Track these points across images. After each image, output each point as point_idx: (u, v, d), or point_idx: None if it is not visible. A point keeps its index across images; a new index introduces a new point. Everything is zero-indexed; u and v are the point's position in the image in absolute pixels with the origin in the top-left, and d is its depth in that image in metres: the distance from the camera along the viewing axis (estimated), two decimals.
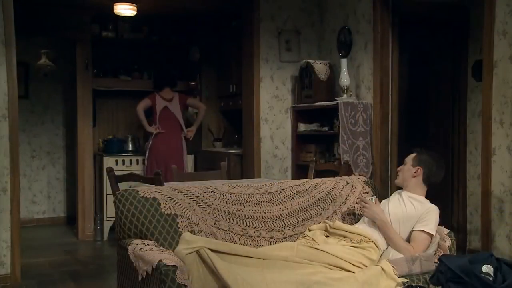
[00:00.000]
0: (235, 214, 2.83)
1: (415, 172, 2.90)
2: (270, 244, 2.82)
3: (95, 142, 6.22)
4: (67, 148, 6.81)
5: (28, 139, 6.64)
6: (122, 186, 3.13)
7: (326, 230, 2.89)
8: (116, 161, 5.98)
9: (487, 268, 2.09)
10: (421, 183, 2.91)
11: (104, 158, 5.95)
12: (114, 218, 3.23)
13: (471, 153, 5.05)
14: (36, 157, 6.72)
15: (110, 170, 3.37)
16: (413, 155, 2.95)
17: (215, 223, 2.76)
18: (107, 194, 5.81)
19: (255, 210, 2.89)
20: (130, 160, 6.09)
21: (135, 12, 5.55)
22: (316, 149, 5.24)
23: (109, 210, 5.80)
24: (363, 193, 3.20)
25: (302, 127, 5.30)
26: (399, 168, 3.01)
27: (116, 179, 3.32)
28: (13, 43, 4.16)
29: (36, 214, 6.71)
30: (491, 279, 2.07)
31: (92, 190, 5.97)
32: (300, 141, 5.37)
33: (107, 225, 5.88)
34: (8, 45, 4.12)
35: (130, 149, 6.36)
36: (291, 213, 2.98)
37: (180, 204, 2.73)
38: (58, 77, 6.69)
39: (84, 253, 5.44)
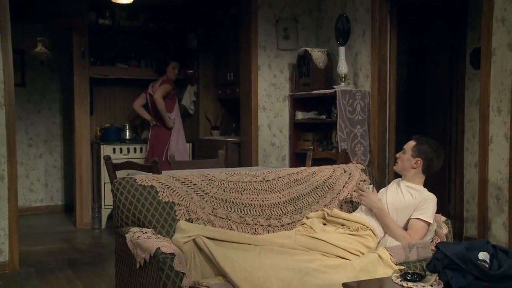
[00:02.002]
0: (233, 202, 2.84)
1: (415, 163, 2.89)
2: (268, 232, 2.84)
3: (92, 130, 6.21)
4: (64, 137, 6.80)
5: (25, 128, 6.63)
6: (120, 174, 3.13)
7: (323, 218, 2.90)
8: (114, 149, 5.98)
9: (483, 255, 2.11)
10: (420, 173, 2.92)
11: (102, 146, 5.94)
12: (112, 206, 3.24)
13: (469, 141, 5.06)
14: (33, 145, 6.71)
15: (107, 159, 3.38)
16: (413, 144, 2.93)
17: (212, 211, 2.77)
18: (104, 183, 5.81)
19: (253, 198, 2.89)
20: (128, 149, 6.08)
21: (132, 0, 5.51)
22: (313, 137, 5.24)
23: (107, 198, 5.81)
24: (361, 181, 3.21)
25: (299, 115, 5.30)
26: (398, 155, 3.00)
27: (113, 167, 3.32)
28: (9, 31, 4.13)
29: (33, 203, 6.72)
30: (487, 266, 2.08)
31: (90, 179, 5.98)
32: (297, 129, 5.37)
33: (105, 213, 5.89)
34: (3, 32, 4.09)
35: (127, 137, 6.36)
36: (289, 201, 2.99)
37: (177, 192, 2.73)
38: (54, 65, 6.66)
39: (82, 241, 5.46)
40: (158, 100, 5.65)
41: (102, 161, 5.52)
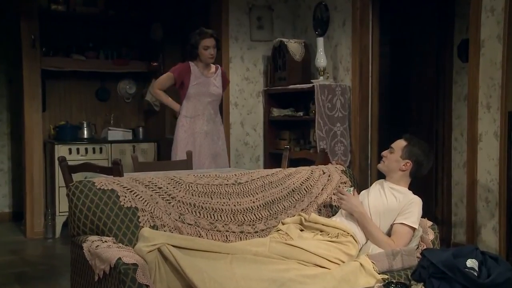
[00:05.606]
0: (202, 207, 2.83)
1: (403, 165, 2.92)
2: (240, 239, 2.84)
3: (45, 128, 6.12)
4: (13, 136, 6.67)
5: None
6: (77, 177, 3.10)
7: (301, 224, 2.92)
8: (70, 149, 5.91)
9: (471, 263, 2.15)
10: (407, 176, 2.95)
11: (56, 146, 5.87)
12: (67, 213, 3.21)
13: (457, 139, 5.15)
14: None
15: (62, 160, 3.34)
16: (403, 144, 2.95)
17: (179, 217, 2.76)
18: (59, 187, 5.73)
19: (224, 203, 2.90)
20: (86, 149, 6.01)
21: None
22: (290, 136, 5.27)
23: (62, 204, 5.73)
24: (341, 183, 3.24)
25: (275, 112, 5.32)
26: (385, 154, 3.00)
27: (69, 170, 3.29)
28: None
29: None
30: (475, 274, 2.13)
31: (42, 182, 5.89)
32: (273, 127, 5.39)
33: (59, 220, 5.81)
34: None
35: (85, 136, 6.29)
36: (263, 206, 3.00)
37: (141, 197, 2.72)
38: (0, 55, 6.54)
39: (33, 253, 5.37)
40: (153, 92, 4.99)
41: (57, 162, 5.45)
